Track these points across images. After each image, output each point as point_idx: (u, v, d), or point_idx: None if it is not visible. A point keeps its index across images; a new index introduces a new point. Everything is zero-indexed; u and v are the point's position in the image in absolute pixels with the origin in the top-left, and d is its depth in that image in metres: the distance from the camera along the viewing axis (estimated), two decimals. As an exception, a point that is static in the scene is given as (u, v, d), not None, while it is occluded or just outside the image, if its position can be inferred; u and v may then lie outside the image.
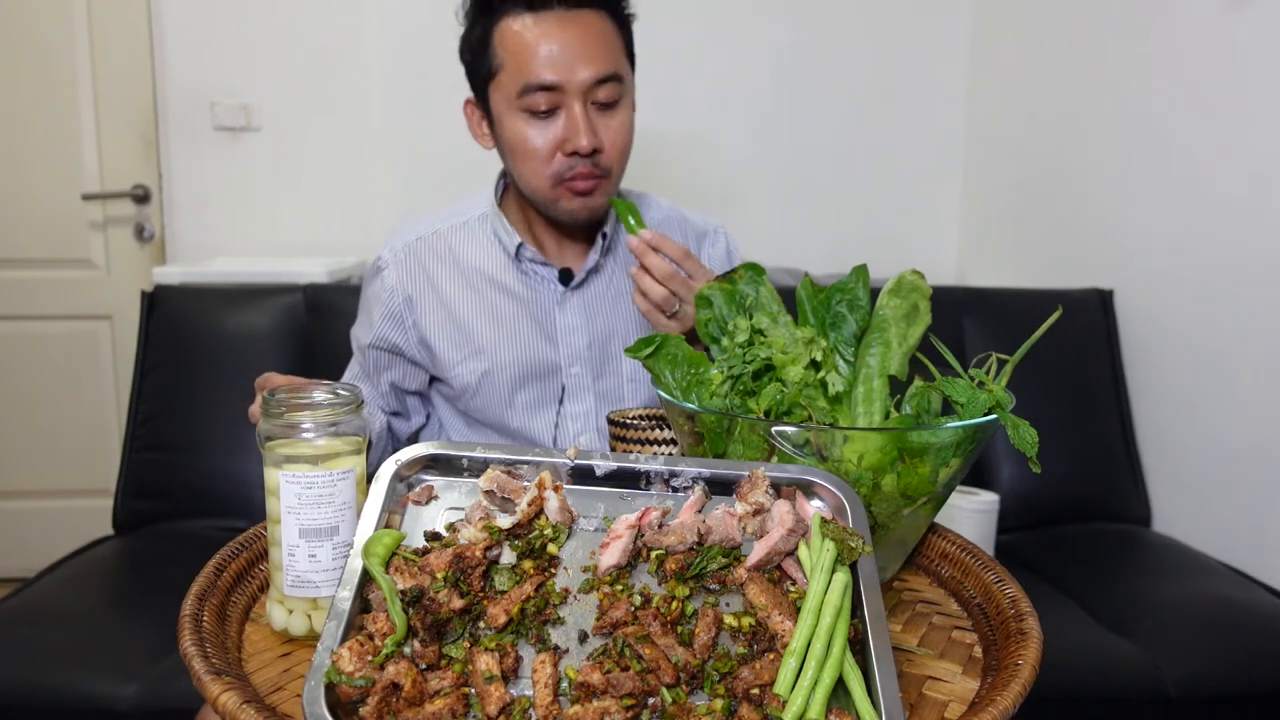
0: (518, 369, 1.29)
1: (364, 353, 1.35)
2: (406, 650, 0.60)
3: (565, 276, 1.31)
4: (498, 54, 1.18)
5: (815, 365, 0.84)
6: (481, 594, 0.64)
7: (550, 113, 1.17)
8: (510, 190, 1.34)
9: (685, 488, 0.74)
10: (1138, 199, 2.04)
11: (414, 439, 1.43)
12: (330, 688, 0.56)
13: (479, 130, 1.29)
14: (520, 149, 1.20)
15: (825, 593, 0.61)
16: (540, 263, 1.31)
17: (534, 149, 1.19)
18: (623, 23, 1.23)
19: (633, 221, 1.20)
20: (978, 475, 2.01)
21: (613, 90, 1.18)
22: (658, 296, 1.13)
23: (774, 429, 0.75)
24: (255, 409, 1.04)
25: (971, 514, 1.81)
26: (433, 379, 1.36)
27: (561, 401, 1.31)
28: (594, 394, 1.31)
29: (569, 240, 1.33)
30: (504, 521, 0.69)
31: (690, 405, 0.82)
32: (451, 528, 0.69)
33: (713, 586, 0.67)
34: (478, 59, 1.22)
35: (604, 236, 1.31)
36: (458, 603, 0.62)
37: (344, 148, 2.53)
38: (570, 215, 1.24)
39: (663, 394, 0.84)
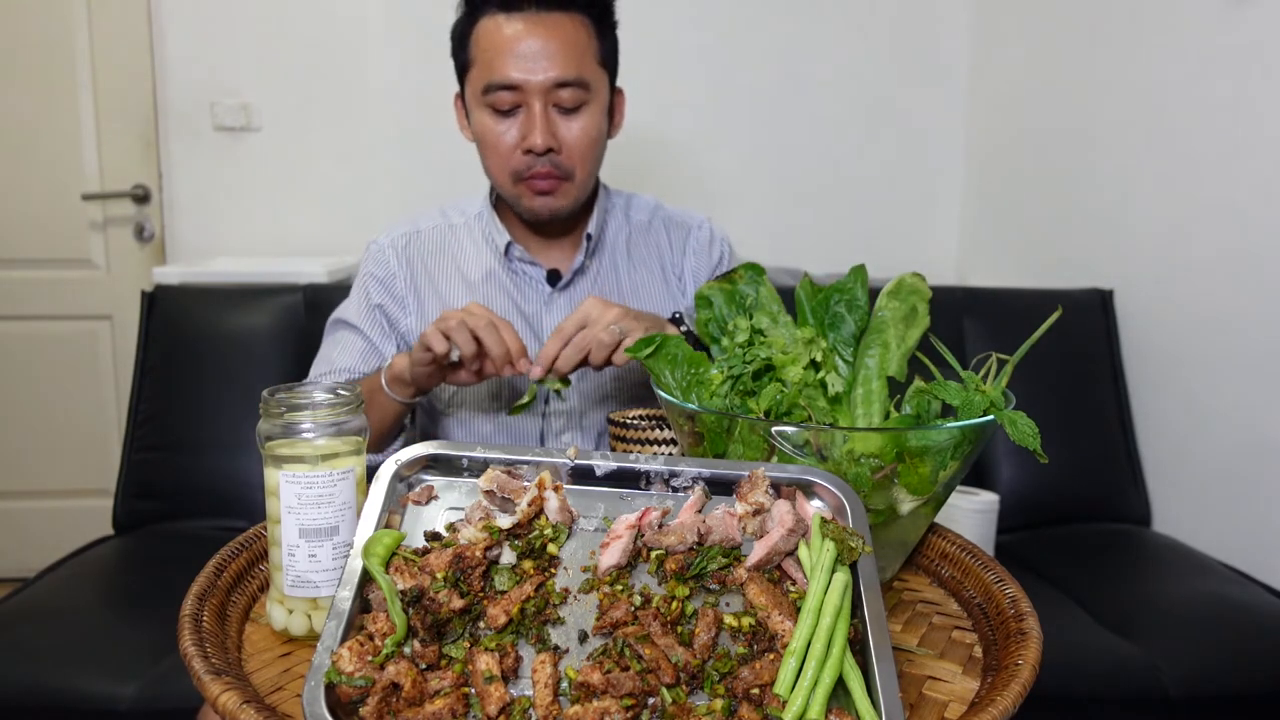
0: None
1: (369, 314, 1.33)
2: (406, 650, 0.60)
3: (553, 278, 1.33)
4: (472, 50, 1.22)
5: (815, 365, 0.84)
6: (481, 594, 0.64)
7: (513, 111, 1.21)
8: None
9: (685, 488, 0.74)
10: (1138, 199, 2.04)
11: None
12: (330, 688, 0.56)
13: (463, 123, 1.32)
14: (484, 143, 1.25)
15: (825, 593, 0.61)
16: (529, 262, 1.33)
17: (495, 145, 1.23)
18: (603, 28, 1.24)
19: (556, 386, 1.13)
20: (978, 475, 2.01)
21: (576, 95, 1.20)
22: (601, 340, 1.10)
23: (774, 429, 0.75)
24: None
25: (971, 514, 1.81)
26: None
27: (546, 400, 1.32)
28: (578, 393, 1.33)
29: (553, 242, 1.35)
30: (504, 521, 0.69)
31: (690, 405, 0.82)
32: (451, 528, 0.69)
33: (713, 586, 0.66)
34: (458, 54, 1.26)
35: (589, 238, 1.33)
36: (458, 603, 0.62)
37: (344, 148, 2.53)
38: (531, 213, 1.27)
39: (663, 394, 0.84)
